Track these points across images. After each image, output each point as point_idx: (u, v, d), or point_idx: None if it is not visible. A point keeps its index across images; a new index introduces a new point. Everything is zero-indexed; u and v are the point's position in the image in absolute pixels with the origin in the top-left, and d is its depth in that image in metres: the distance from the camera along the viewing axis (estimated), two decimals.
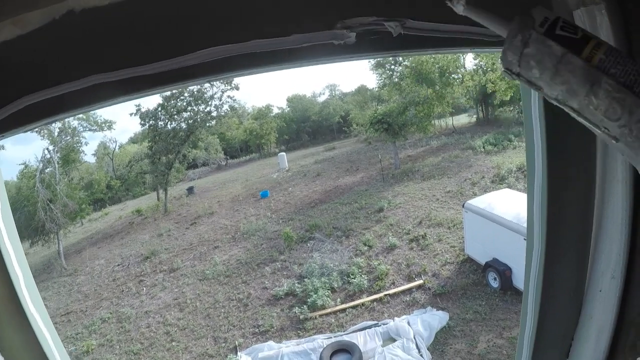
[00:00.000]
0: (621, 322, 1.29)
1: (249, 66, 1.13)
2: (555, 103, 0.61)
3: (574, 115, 0.59)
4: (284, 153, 41.29)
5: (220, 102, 36.37)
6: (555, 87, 0.56)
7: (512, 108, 39.30)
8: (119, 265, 21.40)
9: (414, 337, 11.53)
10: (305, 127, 58.67)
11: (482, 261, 13.85)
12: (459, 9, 0.84)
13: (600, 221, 1.34)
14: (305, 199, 25.79)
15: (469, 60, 32.09)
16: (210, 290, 16.30)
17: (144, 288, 17.82)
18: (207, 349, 12.86)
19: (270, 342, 12.29)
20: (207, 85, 35.09)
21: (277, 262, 17.41)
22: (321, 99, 64.53)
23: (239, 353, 12.18)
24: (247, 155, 56.75)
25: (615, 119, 0.52)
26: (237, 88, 36.15)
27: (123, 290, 18.10)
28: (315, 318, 13.32)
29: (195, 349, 13.02)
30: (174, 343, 13.49)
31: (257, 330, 13.33)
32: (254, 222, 22.71)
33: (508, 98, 23.67)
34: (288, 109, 60.60)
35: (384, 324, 12.29)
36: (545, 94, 0.60)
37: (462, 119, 45.79)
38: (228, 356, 12.14)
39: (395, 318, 12.56)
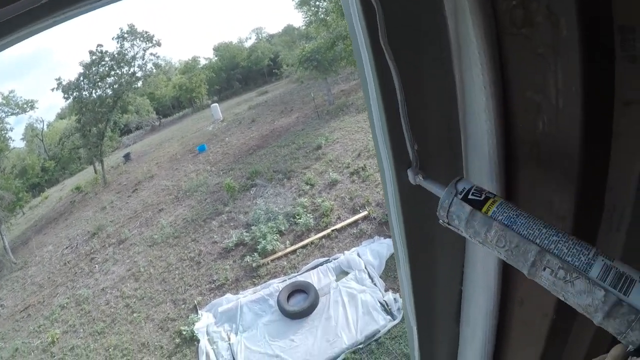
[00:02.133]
0: None
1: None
2: (468, 238, 0.88)
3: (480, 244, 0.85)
4: (216, 104, 40.21)
5: (144, 61, 35.10)
6: (468, 230, 0.85)
7: None
8: (67, 247, 20.90)
9: (366, 268, 11.86)
10: (235, 74, 56.76)
11: None
12: (418, 180, 1.05)
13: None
14: (243, 147, 25.55)
15: None
16: (161, 255, 16.25)
17: (96, 265, 17.59)
18: (169, 314, 12.98)
19: (228, 295, 12.47)
20: (127, 45, 33.63)
21: (222, 214, 17.40)
22: (248, 43, 62.53)
23: (199, 312, 12.32)
24: (180, 111, 54.68)
25: (502, 246, 0.79)
26: (159, 44, 34.78)
27: (76, 272, 17.82)
28: (268, 264, 13.51)
29: (156, 316, 13.12)
30: (135, 314, 13.55)
31: (213, 285, 13.48)
32: (194, 179, 22.45)
33: None
34: (216, 58, 58.39)
35: (335, 259, 12.58)
36: (463, 234, 0.88)
37: None
38: (189, 317, 12.25)
39: (345, 252, 12.86)
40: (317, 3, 30.42)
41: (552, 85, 0.88)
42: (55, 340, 13.62)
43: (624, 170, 0.93)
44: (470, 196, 0.86)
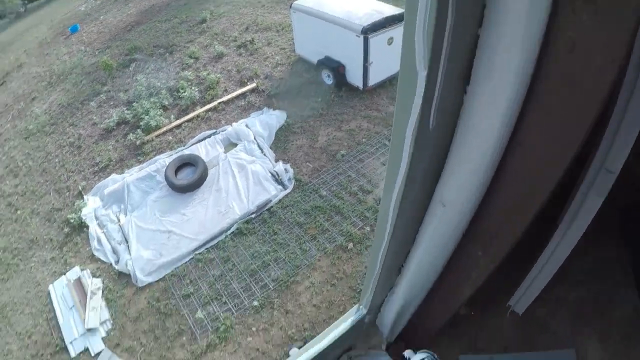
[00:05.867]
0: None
1: None
2: None
3: None
4: None
5: None
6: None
7: None
8: None
9: (255, 139, 11.74)
10: None
11: (315, 60, 13.88)
12: None
13: None
14: (120, 24, 23.14)
15: None
16: (39, 145, 14.88)
17: None
18: (54, 204, 12.20)
19: (113, 176, 11.82)
20: None
21: (100, 94, 16.03)
22: None
23: (85, 197, 11.70)
24: None
25: None
26: None
27: None
28: (152, 140, 12.88)
29: (41, 209, 12.34)
30: (19, 212, 12.62)
31: (96, 168, 12.71)
32: (68, 61, 20.23)
33: None
34: None
35: (222, 131, 12.28)
36: None
37: None
38: (75, 203, 11.60)
39: (233, 123, 12.56)
40: None
41: None
42: None
43: None
44: None
